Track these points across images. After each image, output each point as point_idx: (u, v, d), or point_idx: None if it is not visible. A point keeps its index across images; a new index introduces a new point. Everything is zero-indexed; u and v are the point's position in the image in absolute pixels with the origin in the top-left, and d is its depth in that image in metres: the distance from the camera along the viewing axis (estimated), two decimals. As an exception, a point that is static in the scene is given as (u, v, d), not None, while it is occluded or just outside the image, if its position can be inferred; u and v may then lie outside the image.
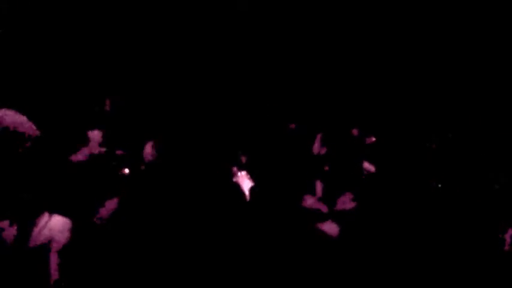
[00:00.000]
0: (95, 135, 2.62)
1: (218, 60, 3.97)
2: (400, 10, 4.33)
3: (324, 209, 2.87)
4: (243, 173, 2.82)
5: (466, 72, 4.31)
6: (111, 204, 2.40)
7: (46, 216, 2.12)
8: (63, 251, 2.09)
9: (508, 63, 4.20)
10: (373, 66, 4.39)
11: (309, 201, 2.93)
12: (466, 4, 4.25)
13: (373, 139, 3.74)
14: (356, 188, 3.26)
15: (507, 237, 2.98)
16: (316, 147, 3.44)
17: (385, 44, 4.37)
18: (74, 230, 2.10)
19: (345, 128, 3.92)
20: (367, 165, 3.73)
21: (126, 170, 2.72)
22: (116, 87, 3.58)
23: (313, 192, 2.98)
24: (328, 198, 3.07)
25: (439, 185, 3.51)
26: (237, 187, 2.72)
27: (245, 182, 2.76)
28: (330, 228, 2.78)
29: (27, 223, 2.05)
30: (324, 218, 2.80)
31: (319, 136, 3.42)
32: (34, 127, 2.17)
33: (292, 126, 3.69)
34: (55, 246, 2.09)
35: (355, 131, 3.85)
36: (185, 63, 3.89)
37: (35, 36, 3.22)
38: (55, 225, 2.11)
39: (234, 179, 2.78)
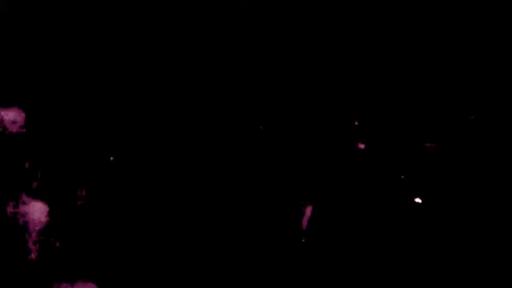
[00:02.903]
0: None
1: (218, 59, 4.00)
2: (400, 10, 4.31)
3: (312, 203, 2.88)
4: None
5: (466, 73, 4.27)
6: (90, 190, 2.41)
7: (22, 200, 2.15)
8: (40, 235, 2.12)
9: (508, 63, 4.15)
10: (374, 67, 4.38)
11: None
12: (466, 4, 4.21)
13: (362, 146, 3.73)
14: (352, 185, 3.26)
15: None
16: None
17: (386, 44, 4.35)
18: (51, 215, 2.13)
19: (346, 126, 3.93)
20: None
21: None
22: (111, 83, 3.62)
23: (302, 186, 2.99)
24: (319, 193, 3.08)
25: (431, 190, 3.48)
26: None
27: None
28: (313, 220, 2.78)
29: (3, 208, 2.09)
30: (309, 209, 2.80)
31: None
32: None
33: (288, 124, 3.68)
34: (32, 230, 2.12)
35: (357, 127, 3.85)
36: (184, 62, 3.93)
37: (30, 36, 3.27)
38: (32, 210, 2.15)
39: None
